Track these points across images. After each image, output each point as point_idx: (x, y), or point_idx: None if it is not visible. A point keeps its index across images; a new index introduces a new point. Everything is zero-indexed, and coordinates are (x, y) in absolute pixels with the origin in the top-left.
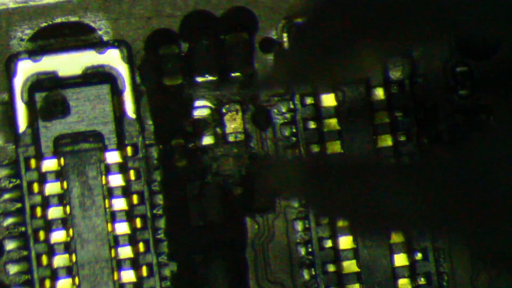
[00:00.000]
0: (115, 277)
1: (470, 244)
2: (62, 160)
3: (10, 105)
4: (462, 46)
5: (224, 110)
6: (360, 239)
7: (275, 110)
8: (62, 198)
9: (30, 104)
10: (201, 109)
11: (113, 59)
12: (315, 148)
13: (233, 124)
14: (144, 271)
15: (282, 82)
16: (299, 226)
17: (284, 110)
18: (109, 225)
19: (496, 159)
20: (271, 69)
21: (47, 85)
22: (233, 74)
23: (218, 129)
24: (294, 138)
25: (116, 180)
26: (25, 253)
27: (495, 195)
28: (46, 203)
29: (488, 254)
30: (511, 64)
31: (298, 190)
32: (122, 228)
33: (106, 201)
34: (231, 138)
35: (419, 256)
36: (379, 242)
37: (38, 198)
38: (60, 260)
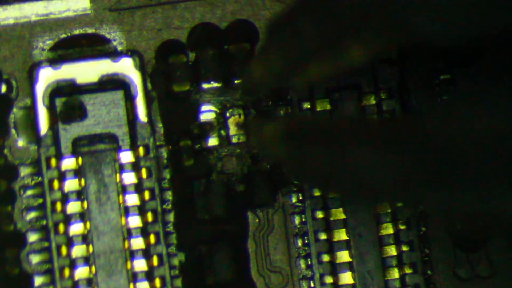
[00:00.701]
0: (128, 266)
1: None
2: (80, 159)
3: (32, 109)
4: (445, 55)
5: (228, 114)
6: (351, 231)
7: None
8: (80, 194)
9: (50, 108)
10: (207, 113)
11: (127, 67)
12: None
13: (236, 127)
14: (155, 260)
15: (261, 86)
16: (296, 219)
17: (282, 113)
18: (123, 218)
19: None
20: (251, 75)
21: (66, 91)
22: (236, 81)
23: (222, 132)
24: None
25: (129, 178)
26: (46, 244)
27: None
28: (65, 198)
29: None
30: (493, 71)
31: (277, 152)
32: (135, 221)
33: (120, 196)
34: (234, 140)
35: (405, 247)
36: (362, 212)
37: (58, 194)
38: (78, 251)
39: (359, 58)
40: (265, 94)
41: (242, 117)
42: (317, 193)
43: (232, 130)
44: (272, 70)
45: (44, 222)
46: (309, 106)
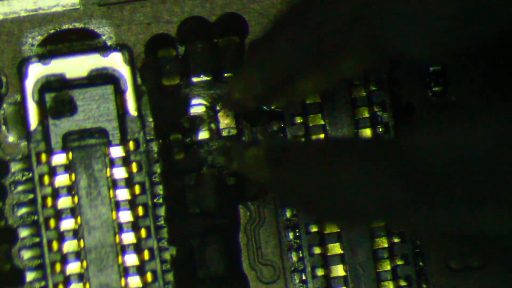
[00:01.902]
0: (120, 261)
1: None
2: (70, 154)
3: (22, 105)
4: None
5: (218, 107)
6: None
7: (265, 107)
8: (71, 189)
9: (40, 103)
10: (197, 106)
11: (116, 61)
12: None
13: (226, 120)
14: (146, 255)
15: (242, 106)
16: (287, 213)
17: (273, 106)
18: (114, 213)
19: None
20: (231, 95)
21: (56, 86)
22: (226, 74)
23: (212, 125)
24: (281, 134)
25: (120, 172)
26: (37, 239)
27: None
28: (56, 194)
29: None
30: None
31: (260, 177)
32: (126, 216)
33: (111, 191)
34: (224, 133)
35: (397, 239)
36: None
37: (48, 190)
38: (69, 246)
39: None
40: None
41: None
42: None
43: (222, 123)
44: (252, 91)
45: (35, 217)
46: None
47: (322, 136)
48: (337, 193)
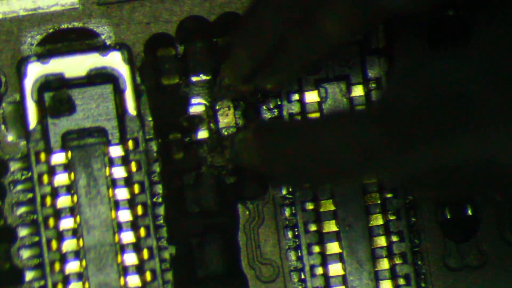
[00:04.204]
0: (119, 260)
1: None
2: (69, 153)
3: (21, 104)
4: (433, 43)
5: (217, 107)
6: (341, 223)
7: (264, 106)
8: (70, 188)
9: (39, 103)
10: (196, 106)
11: (115, 61)
12: None
13: (226, 119)
14: (145, 254)
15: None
16: (286, 211)
17: (272, 106)
18: (113, 212)
19: None
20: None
21: (55, 86)
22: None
23: (211, 124)
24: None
25: (119, 172)
26: (36, 239)
27: None
28: (55, 193)
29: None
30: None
31: (250, 158)
32: (125, 215)
33: (110, 190)
34: (224, 132)
35: (395, 238)
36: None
37: (47, 189)
38: (68, 245)
39: (329, 34)
40: (238, 96)
41: (232, 109)
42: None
43: (222, 122)
44: (241, 72)
45: (34, 216)
46: (297, 98)
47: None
48: (322, 156)
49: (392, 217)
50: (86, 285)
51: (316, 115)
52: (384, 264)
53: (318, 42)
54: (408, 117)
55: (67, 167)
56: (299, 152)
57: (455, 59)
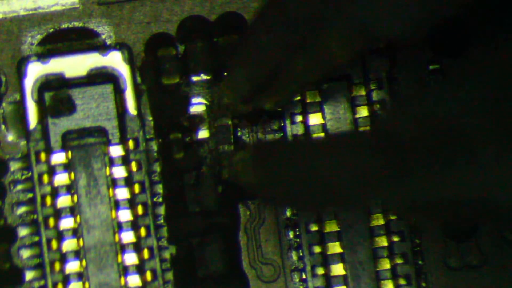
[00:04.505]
0: (119, 260)
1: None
2: (69, 153)
3: (21, 103)
4: (434, 45)
5: (216, 124)
6: (342, 223)
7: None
8: (70, 188)
9: (39, 102)
10: (197, 105)
11: (116, 60)
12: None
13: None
14: (146, 254)
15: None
16: (287, 211)
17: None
18: (113, 212)
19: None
20: (221, 100)
21: (55, 85)
22: (225, 73)
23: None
24: (281, 133)
25: (119, 171)
26: (36, 238)
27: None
28: (55, 193)
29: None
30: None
31: (248, 179)
32: (125, 215)
33: (110, 190)
34: (221, 149)
35: (396, 238)
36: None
37: (48, 189)
38: (68, 245)
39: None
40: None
41: (231, 128)
42: None
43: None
44: (240, 92)
45: (35, 216)
46: (299, 98)
47: (322, 134)
48: (320, 182)
49: (393, 217)
50: (86, 285)
51: (317, 136)
52: (385, 264)
53: (318, 64)
54: (407, 147)
55: (67, 166)
56: (297, 176)
57: (455, 90)
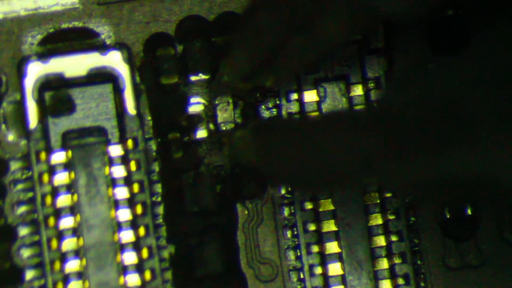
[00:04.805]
0: (118, 259)
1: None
2: (69, 153)
3: (21, 103)
4: (433, 43)
5: (217, 101)
6: (340, 222)
7: (263, 106)
8: (70, 188)
9: (39, 102)
10: (195, 105)
11: (115, 60)
12: None
13: (225, 114)
14: (145, 253)
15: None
16: (285, 211)
17: (270, 105)
18: (113, 211)
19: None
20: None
21: (55, 85)
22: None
23: (211, 125)
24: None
25: (119, 171)
26: (36, 238)
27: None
28: (55, 192)
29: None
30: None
31: (248, 158)
32: (124, 214)
33: (110, 189)
34: (222, 127)
35: (395, 237)
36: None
37: (48, 188)
38: (68, 244)
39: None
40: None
41: (231, 105)
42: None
43: (220, 117)
44: (240, 71)
45: (35, 216)
46: (296, 97)
47: (316, 113)
48: (321, 160)
49: (391, 217)
50: (86, 284)
51: (315, 114)
52: (384, 263)
53: (318, 43)
54: (406, 125)
55: (67, 166)
56: (297, 153)
57: (455, 66)
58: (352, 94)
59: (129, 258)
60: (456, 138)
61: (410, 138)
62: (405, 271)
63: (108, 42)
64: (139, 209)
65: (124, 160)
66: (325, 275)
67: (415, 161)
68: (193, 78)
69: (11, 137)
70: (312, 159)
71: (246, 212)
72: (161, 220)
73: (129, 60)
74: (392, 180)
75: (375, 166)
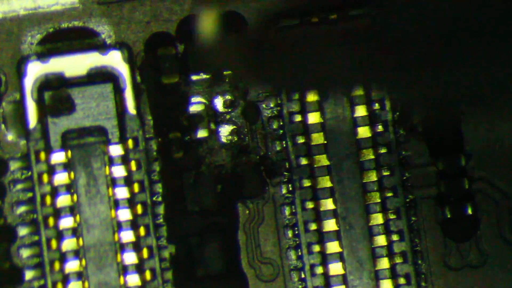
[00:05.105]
0: (118, 259)
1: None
2: (69, 153)
3: (21, 103)
4: None
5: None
6: (341, 222)
7: (264, 105)
8: (70, 188)
9: (39, 102)
10: (196, 105)
11: (115, 60)
12: (301, 140)
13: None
14: (145, 253)
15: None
16: (286, 210)
17: (272, 104)
18: (113, 211)
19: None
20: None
21: (55, 85)
22: (225, 72)
23: (212, 125)
24: (281, 131)
25: (119, 171)
26: (36, 238)
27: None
28: (55, 192)
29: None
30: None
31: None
32: (125, 214)
33: (110, 189)
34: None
35: (396, 237)
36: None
37: (47, 188)
38: (68, 244)
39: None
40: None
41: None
42: (307, 184)
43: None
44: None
45: (34, 216)
46: (297, 97)
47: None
48: (319, 66)
49: (392, 216)
50: (86, 284)
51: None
52: (385, 263)
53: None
54: (402, 42)
55: (67, 166)
56: (291, 59)
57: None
58: (353, 94)
59: (129, 258)
60: (448, 58)
61: (405, 54)
62: (406, 271)
63: (108, 41)
64: (139, 209)
65: (125, 160)
66: (326, 275)
67: (410, 75)
68: (194, 77)
69: (10, 137)
70: (305, 62)
71: (247, 211)
72: (161, 220)
73: (130, 59)
74: (386, 90)
75: (371, 75)
